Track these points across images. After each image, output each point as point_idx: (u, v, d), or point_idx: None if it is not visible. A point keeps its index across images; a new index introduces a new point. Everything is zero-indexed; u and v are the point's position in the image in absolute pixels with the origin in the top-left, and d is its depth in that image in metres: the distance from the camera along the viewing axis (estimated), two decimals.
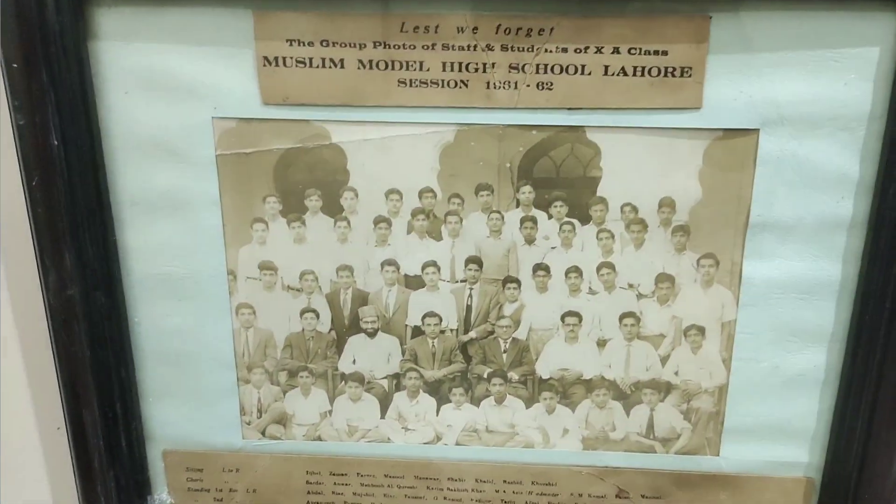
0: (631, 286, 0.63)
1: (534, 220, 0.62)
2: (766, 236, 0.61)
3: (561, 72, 0.57)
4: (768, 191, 0.59)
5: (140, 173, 0.61)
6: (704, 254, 0.62)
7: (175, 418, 0.69)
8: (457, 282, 0.64)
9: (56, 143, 0.58)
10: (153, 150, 0.61)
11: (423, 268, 0.64)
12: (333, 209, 0.62)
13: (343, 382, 0.67)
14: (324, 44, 0.57)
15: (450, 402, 0.67)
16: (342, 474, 0.69)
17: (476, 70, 0.57)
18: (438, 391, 0.67)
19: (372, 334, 0.66)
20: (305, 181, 0.62)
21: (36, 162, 0.58)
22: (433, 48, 0.57)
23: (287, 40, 0.57)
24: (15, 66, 0.56)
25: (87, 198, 0.60)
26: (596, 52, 0.57)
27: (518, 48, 0.57)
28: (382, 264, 0.64)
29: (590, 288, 0.64)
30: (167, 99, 0.59)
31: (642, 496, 0.68)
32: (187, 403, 0.68)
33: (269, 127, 0.60)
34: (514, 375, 0.66)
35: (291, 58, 0.58)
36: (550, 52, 0.57)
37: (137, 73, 0.59)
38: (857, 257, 0.60)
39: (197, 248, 0.64)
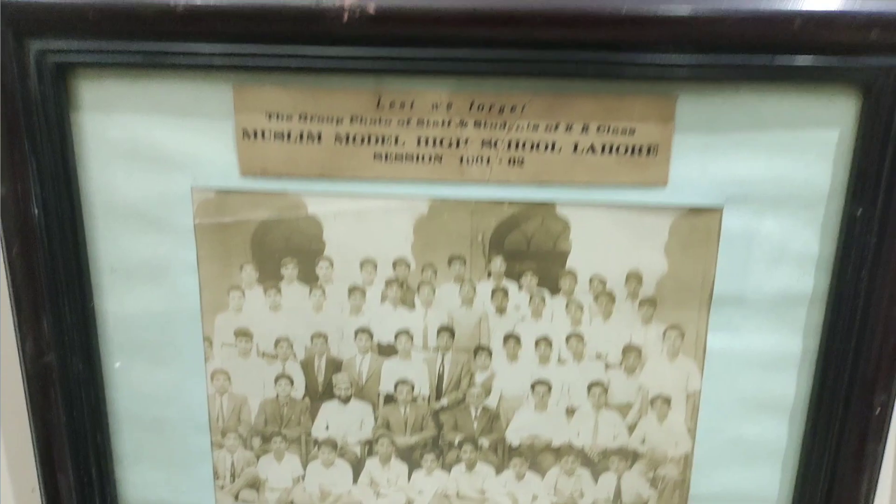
0: (599, 356, 0.61)
1: (505, 290, 0.60)
2: (729, 310, 0.59)
3: (532, 148, 0.56)
4: (732, 266, 0.58)
5: (119, 241, 0.59)
6: (670, 325, 0.60)
7: (149, 482, 0.66)
8: (429, 350, 0.62)
9: (37, 212, 0.56)
10: (133, 219, 0.59)
11: (396, 336, 0.62)
12: (309, 278, 0.60)
13: (316, 448, 0.64)
14: (302, 118, 0.56)
15: (421, 467, 0.64)
16: None
17: (450, 145, 0.56)
18: (410, 457, 0.64)
19: (345, 401, 0.63)
20: (282, 250, 0.60)
21: (16, 231, 0.56)
22: (409, 124, 0.55)
23: (266, 113, 0.56)
24: None
25: (66, 265, 0.58)
26: (566, 130, 0.55)
27: (491, 125, 0.55)
28: (356, 332, 0.62)
29: (559, 357, 0.61)
30: (148, 169, 0.57)
31: None
32: (162, 467, 0.65)
33: (247, 197, 0.58)
34: (484, 442, 0.64)
35: (270, 131, 0.56)
36: (522, 129, 0.55)
37: (119, 142, 0.57)
38: (818, 331, 0.59)
39: (174, 315, 0.61)
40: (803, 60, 0.51)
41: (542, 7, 0.51)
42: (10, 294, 0.57)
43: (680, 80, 0.54)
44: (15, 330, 0.58)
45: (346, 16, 0.50)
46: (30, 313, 0.58)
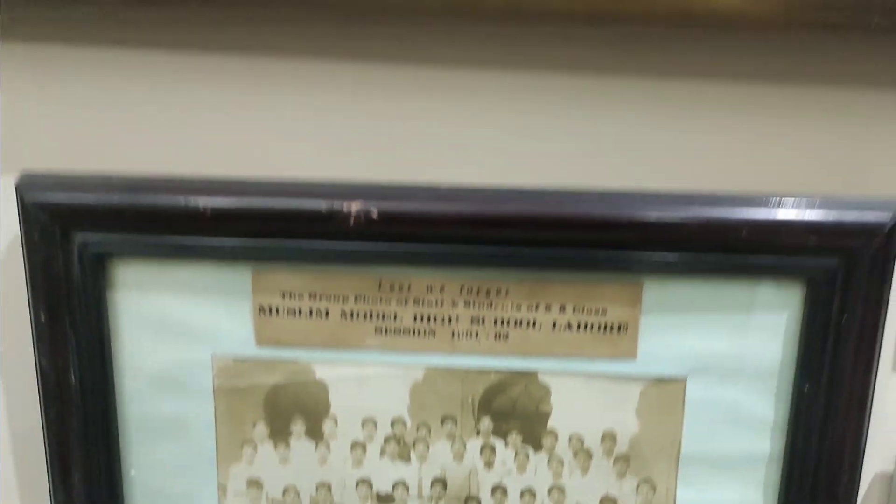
0: None
1: (492, 447, 0.66)
2: (696, 467, 0.65)
3: (515, 325, 0.62)
4: (697, 428, 0.64)
5: (146, 402, 0.65)
6: (643, 480, 0.66)
7: None
8: (424, 500, 0.67)
9: (73, 380, 0.62)
10: (159, 383, 0.65)
11: (394, 487, 0.67)
12: (315, 434, 0.66)
13: None
14: (312, 297, 0.62)
15: None
16: None
17: (443, 322, 0.62)
18: None
19: None
20: (291, 410, 0.66)
21: (54, 397, 0.62)
22: (406, 303, 0.62)
23: (280, 293, 0.62)
24: (42, 317, 0.60)
25: (97, 425, 0.63)
26: (545, 310, 0.62)
27: (479, 305, 0.62)
28: (357, 483, 0.67)
29: None
30: (174, 340, 0.64)
31: None
32: None
33: (261, 364, 0.64)
34: None
35: (284, 308, 0.63)
36: (506, 308, 0.62)
37: (149, 317, 0.63)
38: (776, 488, 0.64)
39: (192, 466, 0.67)
40: (752, 259, 0.58)
41: (521, 212, 0.58)
42: (45, 451, 0.63)
43: (645, 272, 0.60)
44: (49, 483, 0.64)
45: (352, 219, 0.57)
46: (62, 468, 0.64)
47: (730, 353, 0.62)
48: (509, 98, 0.60)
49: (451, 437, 0.66)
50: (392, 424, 0.66)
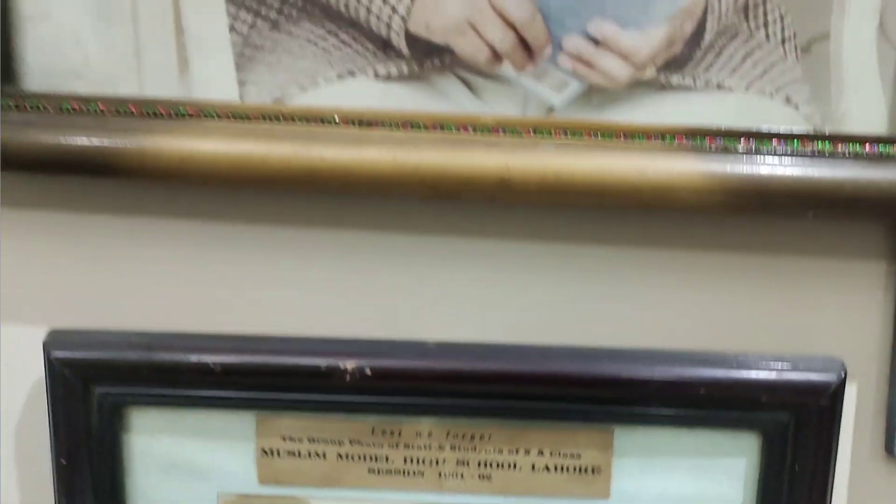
0: None
1: None
2: None
3: (497, 467, 0.68)
4: None
5: None
6: None
7: None
8: None
9: None
10: None
11: None
12: None
13: None
14: (311, 440, 0.68)
15: None
16: None
17: (430, 464, 0.68)
18: None
19: None
20: None
21: None
22: (397, 447, 0.68)
23: (282, 437, 0.68)
24: (63, 461, 0.66)
25: None
26: (525, 454, 0.68)
27: (464, 448, 0.68)
28: None
29: None
30: (183, 479, 0.69)
31: None
32: None
33: (263, 501, 0.70)
34: None
35: (284, 450, 0.68)
36: (489, 452, 0.68)
37: (160, 458, 0.69)
38: None
39: None
40: (711, 413, 0.64)
41: (501, 368, 0.64)
42: None
43: (616, 421, 0.66)
44: None
45: (348, 375, 0.64)
46: None
47: (695, 494, 0.68)
48: (488, 263, 0.67)
49: None
50: None
